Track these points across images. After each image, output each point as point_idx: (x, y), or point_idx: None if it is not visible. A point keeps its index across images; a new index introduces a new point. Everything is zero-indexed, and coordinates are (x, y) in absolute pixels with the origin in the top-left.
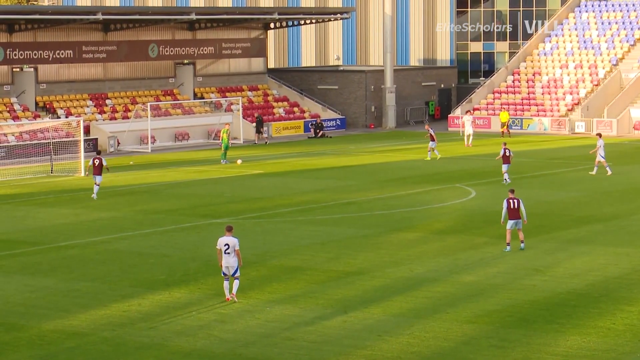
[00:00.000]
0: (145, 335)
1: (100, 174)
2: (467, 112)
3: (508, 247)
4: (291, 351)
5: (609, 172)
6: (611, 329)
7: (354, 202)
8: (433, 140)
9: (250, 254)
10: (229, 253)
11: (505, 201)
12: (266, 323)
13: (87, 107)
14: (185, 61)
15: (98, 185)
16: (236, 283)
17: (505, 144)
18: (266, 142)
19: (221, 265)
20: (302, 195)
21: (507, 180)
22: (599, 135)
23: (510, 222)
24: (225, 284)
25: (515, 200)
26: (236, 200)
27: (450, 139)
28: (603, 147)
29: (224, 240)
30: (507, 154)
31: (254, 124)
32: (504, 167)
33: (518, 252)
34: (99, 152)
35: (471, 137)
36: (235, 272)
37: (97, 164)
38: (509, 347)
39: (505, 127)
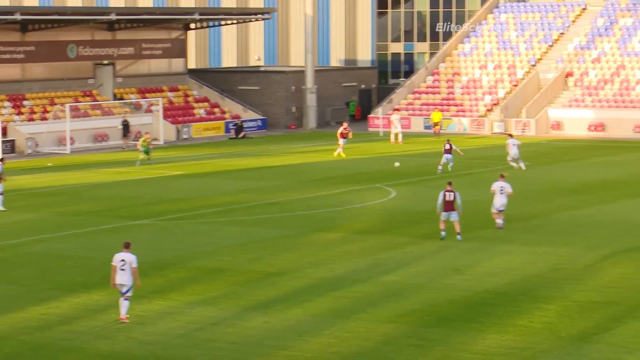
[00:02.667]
0: (64, 339)
1: None
2: (394, 109)
3: (443, 233)
4: (212, 352)
5: (523, 168)
6: (529, 327)
7: (275, 203)
8: (344, 138)
9: (170, 255)
10: (124, 270)
11: (441, 193)
12: (186, 325)
13: (5, 108)
14: (105, 62)
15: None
16: (126, 304)
17: (448, 140)
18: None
19: (114, 284)
20: (223, 196)
21: (442, 169)
22: (510, 135)
23: (443, 214)
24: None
25: (452, 193)
26: (157, 201)
27: (370, 139)
28: (516, 147)
29: (120, 256)
30: (449, 147)
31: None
32: (445, 158)
33: (438, 252)
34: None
35: (400, 135)
36: (128, 291)
37: None
38: (428, 346)
39: (438, 126)
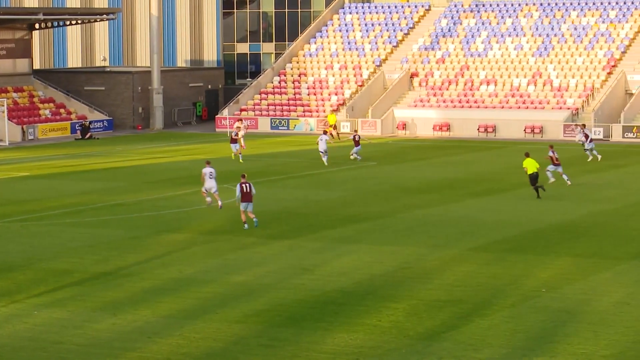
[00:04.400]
0: None
1: None
2: (325, 131)
3: (246, 226)
4: (60, 355)
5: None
6: (377, 326)
7: (122, 204)
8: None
9: (17, 257)
10: None
11: (238, 185)
12: (34, 327)
13: None
14: None
15: None
16: None
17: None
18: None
19: None
20: (70, 198)
21: (358, 157)
22: (324, 132)
23: (243, 204)
24: None
25: (247, 185)
26: (2, 202)
27: (217, 140)
28: (325, 142)
29: None
30: (357, 138)
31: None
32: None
33: (286, 252)
34: None
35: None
36: None
37: None
38: (278, 346)
39: (333, 128)
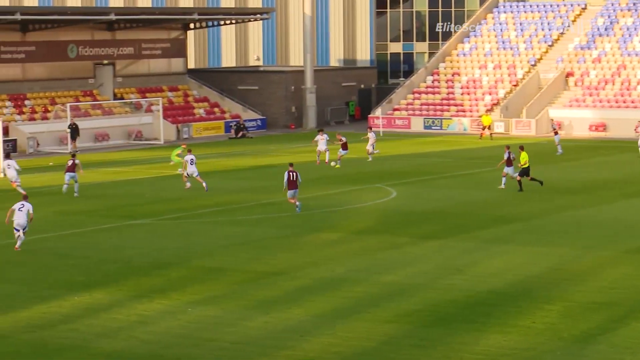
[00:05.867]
0: (66, 337)
1: None
2: (319, 131)
3: (298, 210)
4: (213, 352)
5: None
6: (531, 327)
7: (274, 203)
8: (345, 148)
9: (170, 254)
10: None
11: (285, 173)
12: (188, 324)
13: (6, 107)
14: (105, 62)
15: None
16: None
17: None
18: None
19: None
20: (223, 196)
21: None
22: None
23: (289, 192)
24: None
25: (294, 173)
26: (156, 201)
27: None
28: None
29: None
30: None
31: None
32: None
33: (438, 252)
34: None
35: (327, 154)
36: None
37: None
38: (429, 346)
39: (488, 129)
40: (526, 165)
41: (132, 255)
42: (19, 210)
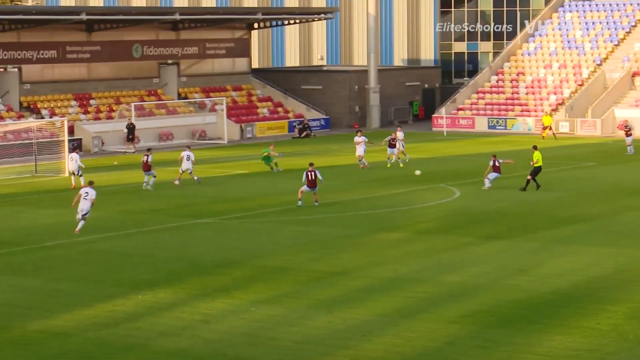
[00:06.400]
0: (130, 335)
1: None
2: (357, 132)
3: (300, 202)
4: (275, 351)
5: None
6: (595, 329)
7: (337, 202)
8: (393, 147)
9: (234, 253)
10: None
11: (305, 173)
12: (251, 323)
13: (71, 107)
14: (169, 61)
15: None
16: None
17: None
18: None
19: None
20: (286, 195)
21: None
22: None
23: (306, 188)
24: None
25: (313, 172)
26: (220, 200)
27: (434, 139)
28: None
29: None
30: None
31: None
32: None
33: (501, 252)
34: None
35: (363, 158)
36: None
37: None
38: (492, 347)
39: (549, 129)
40: (537, 165)
41: (196, 254)
42: (84, 198)
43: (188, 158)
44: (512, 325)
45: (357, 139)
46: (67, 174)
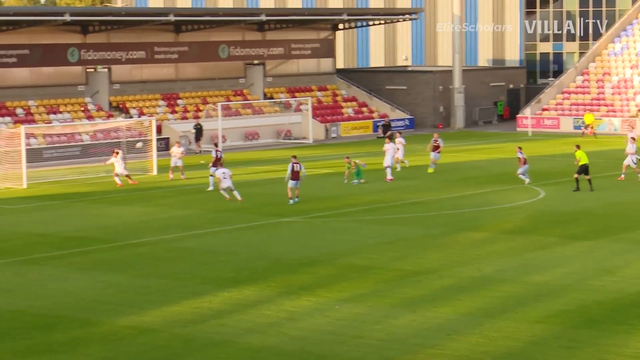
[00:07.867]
0: (216, 332)
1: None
2: (393, 134)
3: (291, 201)
4: (360, 349)
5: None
6: None
7: (421, 202)
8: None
9: (318, 252)
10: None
11: (290, 164)
12: (335, 321)
13: (159, 106)
14: (255, 62)
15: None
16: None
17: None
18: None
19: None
20: (370, 195)
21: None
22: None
23: (291, 182)
24: None
25: (298, 164)
26: (304, 199)
27: (518, 139)
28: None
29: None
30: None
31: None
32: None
33: (587, 253)
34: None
35: (399, 161)
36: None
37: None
38: (577, 347)
39: (591, 128)
40: (582, 163)
41: (280, 253)
42: (224, 178)
43: (184, 152)
44: (598, 326)
45: (392, 145)
46: (168, 173)
